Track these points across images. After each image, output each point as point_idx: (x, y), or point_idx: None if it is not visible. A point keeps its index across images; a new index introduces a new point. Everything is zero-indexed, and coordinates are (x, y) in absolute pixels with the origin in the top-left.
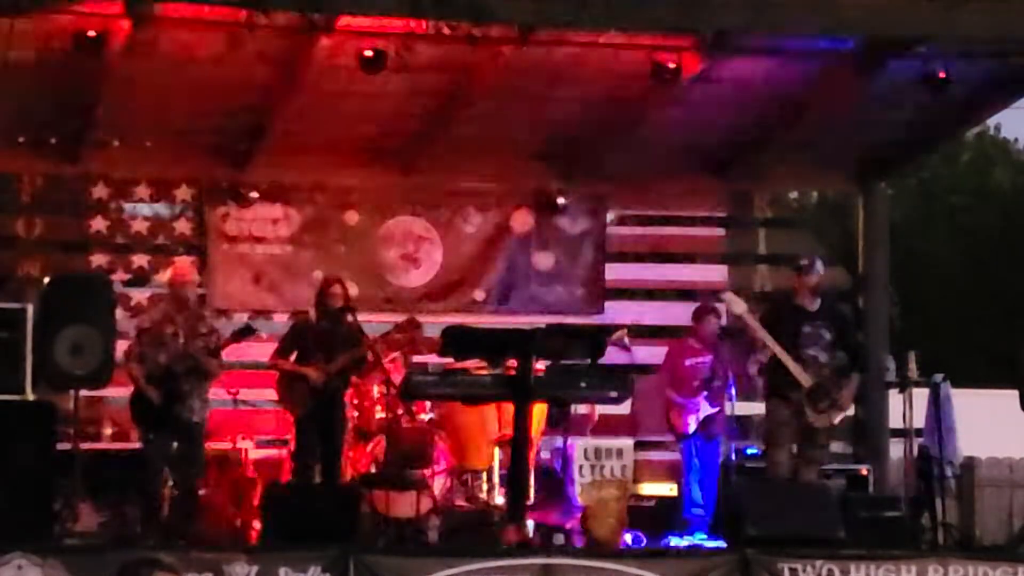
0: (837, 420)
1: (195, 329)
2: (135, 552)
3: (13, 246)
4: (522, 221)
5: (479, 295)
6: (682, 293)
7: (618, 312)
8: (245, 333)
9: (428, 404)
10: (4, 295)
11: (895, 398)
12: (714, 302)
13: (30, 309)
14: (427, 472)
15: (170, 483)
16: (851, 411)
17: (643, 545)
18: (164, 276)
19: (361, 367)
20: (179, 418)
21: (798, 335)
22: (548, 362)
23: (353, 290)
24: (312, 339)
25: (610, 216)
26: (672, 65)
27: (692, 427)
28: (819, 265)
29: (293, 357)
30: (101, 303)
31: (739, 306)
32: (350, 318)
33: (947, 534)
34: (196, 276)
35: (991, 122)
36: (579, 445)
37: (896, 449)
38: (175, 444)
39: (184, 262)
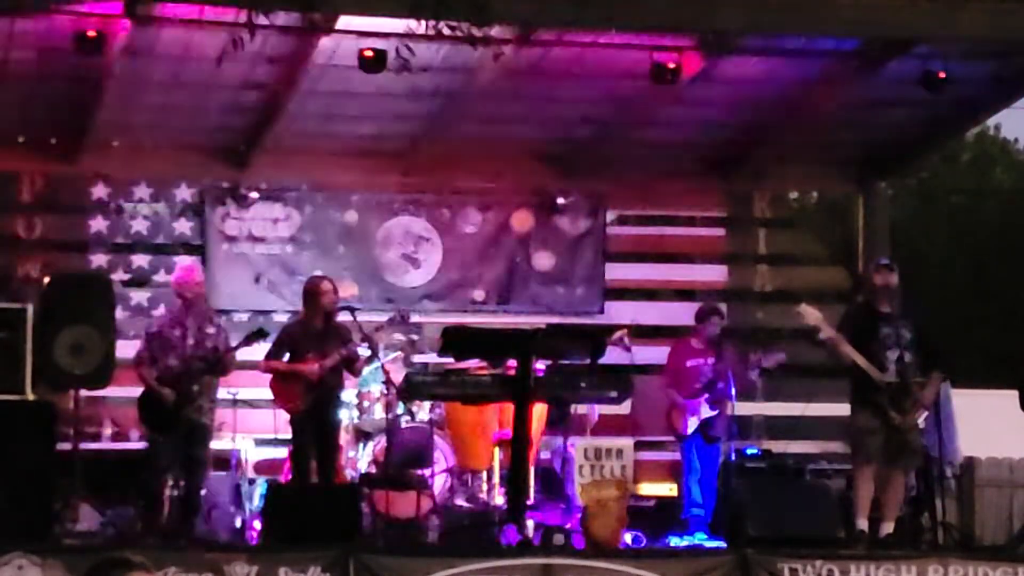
0: (921, 419)
1: (203, 330)
2: (126, 552)
3: (13, 246)
4: (522, 221)
5: (479, 295)
6: (682, 293)
7: (618, 312)
8: (258, 336)
9: (428, 404)
10: (4, 295)
11: None
12: (718, 303)
13: (30, 309)
14: (427, 472)
15: (170, 483)
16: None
17: (643, 545)
18: (170, 277)
19: (354, 365)
20: (188, 419)
21: (877, 337)
22: (548, 362)
23: (353, 290)
24: (304, 338)
25: (610, 216)
26: (672, 65)
27: (692, 428)
28: (895, 266)
29: (286, 358)
30: (101, 303)
31: (813, 317)
32: (340, 317)
33: (947, 534)
34: (203, 277)
35: (991, 122)
36: (579, 445)
37: None
38: (183, 444)
39: (190, 264)
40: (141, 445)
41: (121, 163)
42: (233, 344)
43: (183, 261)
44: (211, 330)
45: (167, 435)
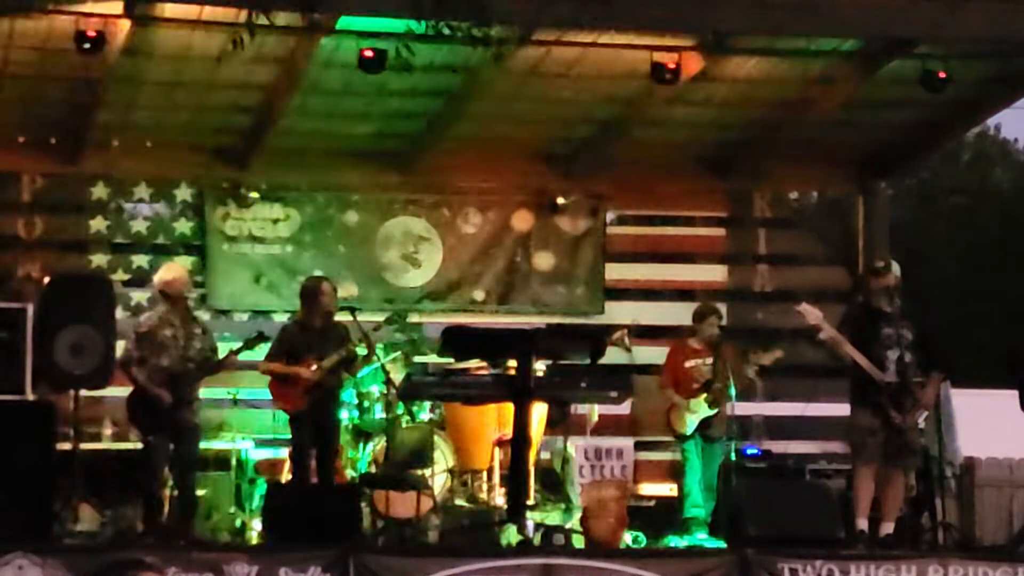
0: (921, 419)
1: (190, 331)
2: (129, 552)
3: (13, 246)
4: (522, 221)
5: (479, 295)
6: (682, 293)
7: (618, 312)
8: (258, 341)
9: (428, 404)
10: (4, 295)
11: None
12: (716, 303)
13: (30, 309)
14: (427, 472)
15: (170, 483)
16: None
17: (643, 545)
18: (156, 278)
19: (352, 365)
20: (180, 420)
21: (878, 338)
22: (548, 362)
23: (353, 290)
24: (303, 339)
25: (610, 216)
26: (672, 65)
27: (691, 428)
28: (895, 266)
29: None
30: (101, 303)
31: (813, 316)
32: (338, 318)
33: (947, 534)
34: (188, 277)
35: (991, 122)
36: (579, 445)
37: None
38: (173, 445)
39: (175, 264)
40: (141, 445)
41: (121, 163)
42: (234, 347)
43: (171, 262)
44: (197, 330)
45: (158, 435)
